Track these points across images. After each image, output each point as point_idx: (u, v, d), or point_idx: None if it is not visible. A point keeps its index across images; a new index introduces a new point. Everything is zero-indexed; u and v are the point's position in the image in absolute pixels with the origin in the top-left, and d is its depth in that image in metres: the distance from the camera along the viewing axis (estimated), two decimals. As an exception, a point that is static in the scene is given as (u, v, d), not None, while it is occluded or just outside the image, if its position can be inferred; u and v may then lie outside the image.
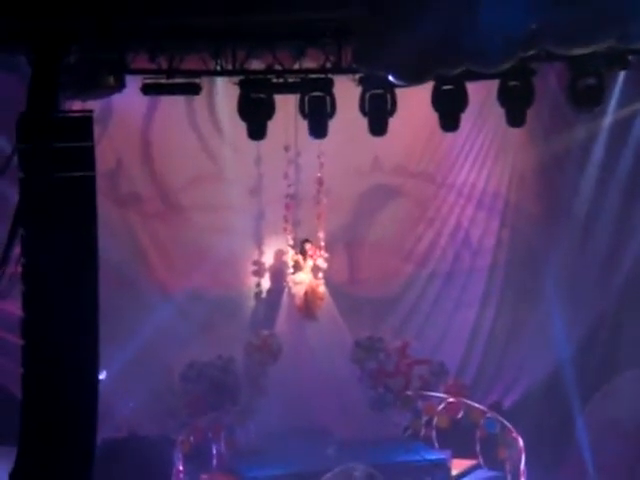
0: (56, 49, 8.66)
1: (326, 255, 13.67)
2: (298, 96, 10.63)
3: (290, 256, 13.73)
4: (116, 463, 11.85)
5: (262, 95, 10.37)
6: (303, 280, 13.65)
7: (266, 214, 13.73)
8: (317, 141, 11.47)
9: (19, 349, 8.66)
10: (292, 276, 13.70)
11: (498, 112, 11.22)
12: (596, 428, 13.28)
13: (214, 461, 12.74)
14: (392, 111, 10.69)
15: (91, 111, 8.75)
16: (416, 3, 8.54)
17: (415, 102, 11.11)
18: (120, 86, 9.96)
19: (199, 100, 12.46)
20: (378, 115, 10.65)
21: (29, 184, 8.47)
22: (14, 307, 8.89)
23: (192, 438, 12.44)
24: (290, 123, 12.28)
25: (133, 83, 10.34)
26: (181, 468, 11.97)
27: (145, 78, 10.25)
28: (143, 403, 12.75)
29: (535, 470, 12.46)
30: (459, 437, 13.16)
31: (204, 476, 12.45)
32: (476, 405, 13.27)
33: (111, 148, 12.76)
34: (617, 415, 13.31)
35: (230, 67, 10.30)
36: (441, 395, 13.51)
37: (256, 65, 10.50)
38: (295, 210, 13.72)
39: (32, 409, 8.49)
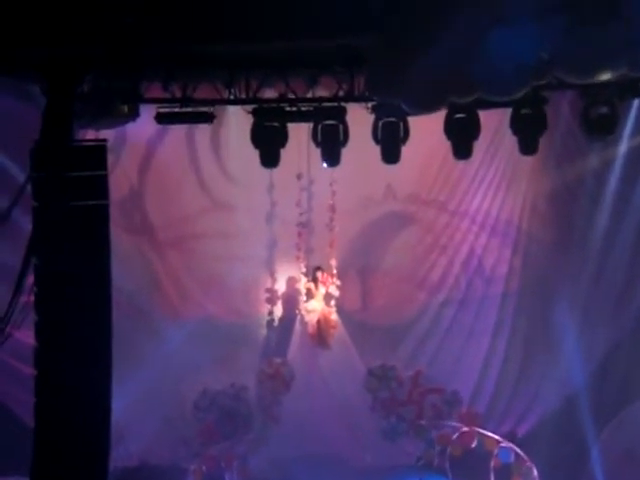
0: (70, 78, 8.72)
1: (338, 283, 13.66)
2: (311, 124, 10.65)
3: (302, 284, 13.73)
4: (128, 492, 11.84)
5: (275, 123, 10.40)
6: (315, 308, 13.63)
7: (278, 242, 13.73)
8: (330, 169, 11.48)
9: (31, 378, 8.64)
10: (305, 304, 13.69)
11: (510, 140, 11.22)
12: (611, 458, 13.16)
13: (226, 490, 12.71)
14: (405, 139, 10.70)
15: (105, 140, 8.79)
16: (429, 32, 8.56)
17: (428, 130, 11.13)
18: (134, 115, 10.02)
19: (212, 128, 12.52)
20: (391, 143, 10.66)
21: (43, 213, 8.49)
22: (27, 336, 8.88)
23: (204, 467, 12.41)
24: (303, 151, 12.34)
25: (146, 112, 10.39)
26: (193, 497, 11.95)
27: (159, 107, 10.30)
28: (155, 432, 12.72)
29: (550, 500, 12.38)
30: (473, 467, 13.06)
31: (216, 505, 12.42)
32: (490, 434, 13.19)
33: (124, 177, 12.83)
34: (632, 445, 13.19)
35: (243, 96, 10.35)
36: (455, 424, 13.45)
37: (269, 94, 10.54)
38: (307, 238, 13.73)
39: (44, 438, 8.47)
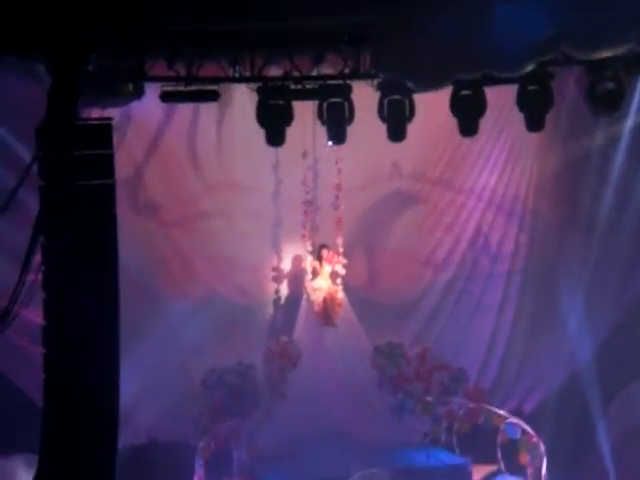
0: (75, 57, 8.70)
1: (345, 261, 13.67)
2: (316, 102, 10.62)
3: (308, 262, 13.74)
4: (137, 470, 11.87)
5: (280, 102, 10.37)
6: (321, 286, 13.65)
7: (284, 220, 13.74)
8: (335, 147, 11.45)
9: (40, 357, 8.68)
10: (311, 282, 13.71)
11: (517, 117, 11.18)
12: (616, 433, 13.21)
13: (235, 467, 12.75)
14: (410, 116, 10.65)
15: (110, 119, 8.77)
16: (434, 8, 8.53)
17: (433, 108, 11.10)
18: (139, 93, 10.00)
19: (218, 107, 12.49)
20: (396, 121, 10.61)
21: (49, 192, 8.50)
22: (35, 315, 8.91)
23: (213, 444, 12.45)
24: (308, 129, 12.31)
25: (151, 91, 10.37)
26: (202, 474, 11.97)
27: (163, 86, 10.27)
28: (163, 409, 12.78)
29: (556, 475, 12.40)
30: (480, 443, 13.11)
31: (225, 481, 12.48)
32: (497, 410, 13.23)
33: (129, 156, 12.80)
34: (637, 420, 13.23)
35: (248, 74, 10.31)
36: (461, 401, 13.49)
37: (274, 72, 10.50)
38: (313, 216, 13.74)
39: (53, 416, 8.51)
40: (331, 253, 13.65)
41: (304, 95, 10.53)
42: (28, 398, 11.59)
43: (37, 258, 8.71)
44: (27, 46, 8.76)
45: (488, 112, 10.72)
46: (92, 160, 8.53)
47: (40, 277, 8.56)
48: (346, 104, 10.48)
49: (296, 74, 10.34)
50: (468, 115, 10.61)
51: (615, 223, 13.62)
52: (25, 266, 8.63)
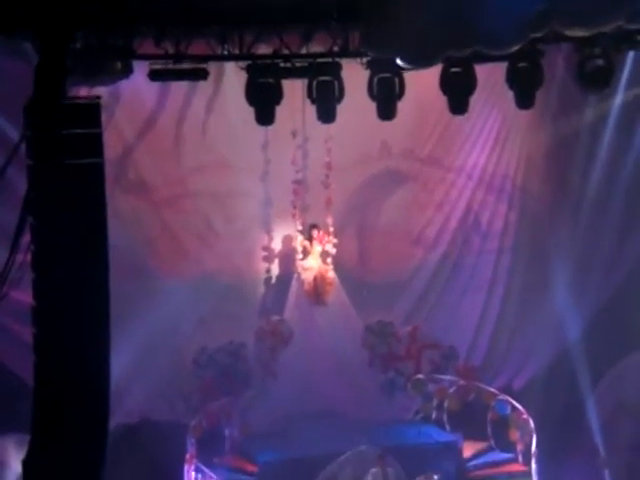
0: (62, 35, 8.61)
1: (335, 240, 13.67)
2: (306, 81, 10.58)
3: (299, 242, 13.73)
4: (128, 449, 11.90)
5: (270, 80, 10.31)
6: (312, 266, 13.66)
7: (274, 200, 13.71)
8: (325, 126, 11.41)
9: (30, 337, 8.65)
10: (301, 262, 13.71)
11: (506, 95, 11.17)
12: (606, 410, 13.29)
13: (227, 445, 12.81)
14: (400, 95, 10.62)
15: (99, 97, 8.70)
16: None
17: (423, 86, 11.07)
18: (127, 72, 9.93)
19: (206, 85, 12.43)
20: (386, 99, 10.58)
21: (37, 171, 8.43)
22: (25, 295, 8.88)
23: (205, 423, 12.49)
24: (297, 108, 12.26)
25: (140, 70, 10.31)
26: (194, 452, 12.00)
27: (152, 64, 10.20)
28: (155, 389, 12.79)
29: (546, 451, 12.47)
30: (470, 420, 13.19)
31: (217, 460, 12.50)
32: (487, 387, 13.29)
33: (118, 135, 12.74)
34: (626, 397, 13.31)
35: (237, 52, 10.25)
36: (452, 378, 13.54)
37: (263, 50, 10.45)
38: (303, 195, 13.71)
39: (44, 396, 8.48)
40: (321, 232, 13.64)
41: (293, 73, 10.48)
42: (18, 378, 11.58)
43: (26, 238, 8.67)
44: (14, 24, 8.67)
45: (478, 90, 10.71)
46: (80, 139, 8.45)
47: (29, 257, 8.51)
48: (336, 82, 10.44)
49: (285, 52, 10.29)
50: (458, 93, 10.59)
51: (604, 200, 13.66)
52: (14, 246, 8.58)
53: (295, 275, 13.78)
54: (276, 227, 13.85)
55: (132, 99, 12.56)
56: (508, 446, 12.93)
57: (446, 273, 14.28)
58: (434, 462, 12.27)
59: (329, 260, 13.69)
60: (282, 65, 10.36)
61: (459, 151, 14.10)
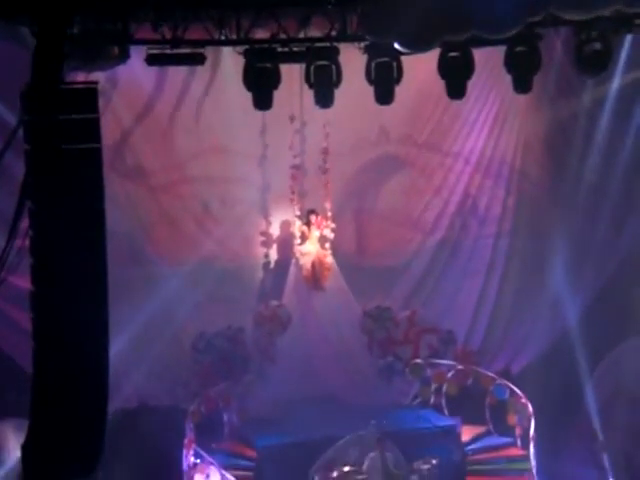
0: (60, 20, 8.57)
1: (333, 225, 13.66)
2: (304, 65, 10.54)
3: (297, 227, 13.72)
4: (127, 434, 11.91)
5: (267, 64, 10.28)
6: (310, 251, 13.65)
7: (272, 185, 13.70)
8: (323, 111, 11.38)
9: (28, 323, 8.65)
10: (299, 247, 13.70)
11: (504, 79, 11.15)
12: (604, 394, 13.31)
13: (225, 430, 12.83)
14: (398, 79, 10.58)
15: (96, 82, 8.67)
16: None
17: (421, 70, 11.05)
18: (124, 57, 9.90)
19: (204, 71, 12.40)
20: (384, 83, 10.55)
21: (35, 156, 8.40)
22: (23, 281, 8.87)
23: (203, 408, 12.50)
24: (295, 93, 12.23)
25: (138, 55, 10.28)
26: (192, 437, 12.02)
27: (149, 49, 10.17)
28: (153, 374, 12.81)
29: (545, 435, 12.50)
30: (469, 404, 13.21)
31: (215, 445, 12.52)
32: (485, 372, 13.31)
33: (116, 120, 12.72)
34: (625, 381, 13.33)
35: (234, 36, 10.21)
36: (450, 363, 13.56)
37: (261, 34, 10.41)
38: (301, 181, 13.70)
39: (43, 381, 8.48)
40: (319, 217, 13.63)
41: (291, 58, 10.45)
42: (17, 364, 11.60)
43: (24, 223, 8.66)
44: (11, 8, 8.65)
45: (476, 74, 10.68)
46: (78, 124, 8.41)
47: (27, 242, 8.50)
48: (333, 67, 10.41)
49: (283, 36, 10.25)
50: (456, 77, 10.56)
51: (602, 184, 13.66)
52: (12, 231, 8.57)
53: (293, 260, 13.78)
54: (274, 212, 13.85)
55: (129, 84, 12.53)
56: (506, 430, 12.96)
57: (444, 258, 14.29)
58: (433, 446, 12.28)
59: (327, 245, 13.69)
60: (280, 50, 10.33)
61: (457, 136, 14.09)
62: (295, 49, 10.36)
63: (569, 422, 13.19)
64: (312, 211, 13.65)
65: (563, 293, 13.66)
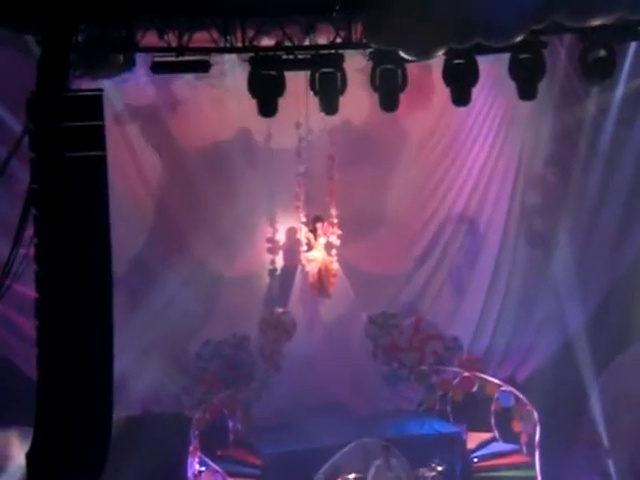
0: (65, 27, 8.61)
1: (339, 232, 13.65)
2: (309, 73, 10.56)
3: (303, 234, 13.73)
4: (132, 441, 11.92)
5: (272, 72, 10.29)
6: (316, 257, 13.65)
7: (278, 192, 13.69)
8: (328, 118, 11.39)
9: (33, 331, 8.67)
10: (305, 254, 13.70)
11: (509, 86, 11.14)
12: (609, 400, 13.30)
13: (230, 437, 12.84)
14: (403, 86, 10.58)
15: (101, 90, 8.70)
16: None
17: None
18: (130, 64, 9.93)
19: (209, 77, 12.40)
20: (389, 90, 10.56)
21: (40, 164, 8.43)
22: (27, 289, 8.90)
23: (208, 415, 12.52)
24: (301, 100, 12.25)
25: (143, 62, 10.30)
26: (197, 445, 12.02)
27: (155, 57, 10.19)
28: (158, 381, 12.83)
29: (550, 442, 12.49)
30: (474, 411, 13.21)
31: (220, 452, 12.53)
32: (491, 379, 13.30)
33: (121, 127, 12.73)
34: (630, 387, 13.32)
35: (240, 44, 10.22)
36: (455, 369, 13.55)
37: (266, 42, 10.43)
38: (307, 187, 13.69)
39: (48, 389, 8.49)
40: (325, 224, 13.63)
41: (296, 65, 10.46)
42: (21, 371, 11.61)
43: (29, 231, 8.68)
44: (16, 16, 8.67)
45: (480, 81, 10.68)
46: (83, 132, 8.46)
47: (32, 250, 8.52)
48: (338, 74, 10.41)
49: (288, 44, 10.26)
50: (461, 84, 10.55)
51: (606, 190, 13.66)
52: (17, 239, 8.59)
53: (299, 267, 13.79)
54: (280, 219, 13.85)
55: (134, 91, 12.55)
56: (512, 437, 12.96)
57: (449, 265, 14.28)
58: (438, 453, 12.27)
59: (333, 252, 13.69)
60: (284, 57, 10.33)
61: (463, 142, 14.09)
62: (300, 56, 10.36)
63: (574, 429, 13.18)
64: (318, 218, 13.65)
65: (568, 300, 13.66)
